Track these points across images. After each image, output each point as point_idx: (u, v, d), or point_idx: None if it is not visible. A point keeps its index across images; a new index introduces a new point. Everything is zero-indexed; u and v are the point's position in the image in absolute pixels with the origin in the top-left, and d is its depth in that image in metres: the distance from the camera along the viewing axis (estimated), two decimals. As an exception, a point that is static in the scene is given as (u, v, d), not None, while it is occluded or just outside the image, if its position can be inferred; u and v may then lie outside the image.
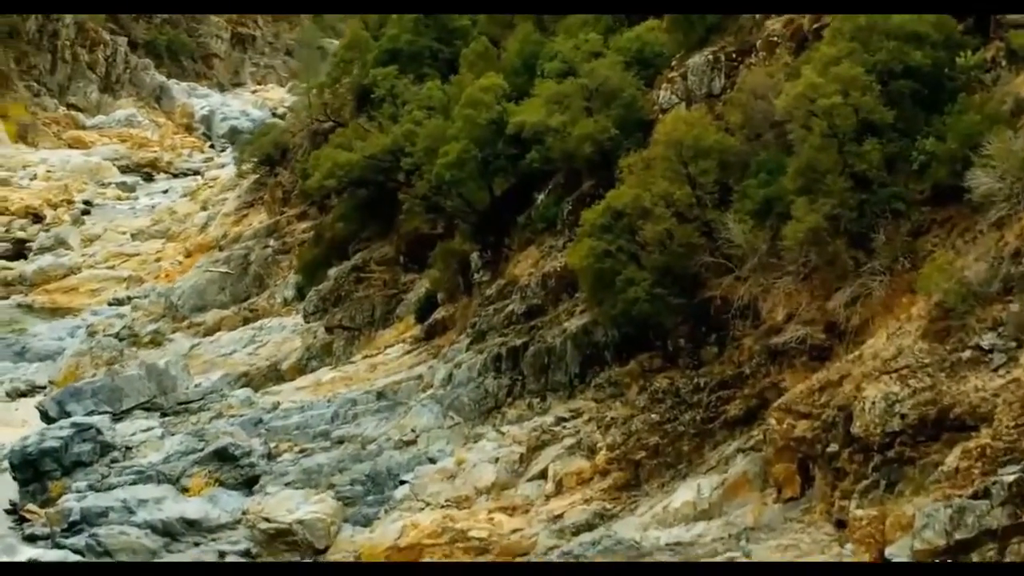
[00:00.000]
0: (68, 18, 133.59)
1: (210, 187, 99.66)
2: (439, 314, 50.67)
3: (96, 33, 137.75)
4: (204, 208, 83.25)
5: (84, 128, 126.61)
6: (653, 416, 38.65)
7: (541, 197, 47.47)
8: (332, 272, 57.74)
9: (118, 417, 48.01)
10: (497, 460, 40.72)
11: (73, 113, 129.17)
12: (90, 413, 47.91)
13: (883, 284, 35.17)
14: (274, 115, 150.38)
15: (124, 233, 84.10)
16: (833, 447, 33.56)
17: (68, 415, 47.90)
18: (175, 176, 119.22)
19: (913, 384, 32.20)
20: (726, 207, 38.91)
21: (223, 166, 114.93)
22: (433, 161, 48.93)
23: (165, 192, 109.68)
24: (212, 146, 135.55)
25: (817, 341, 36.39)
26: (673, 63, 45.49)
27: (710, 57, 43.80)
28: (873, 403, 32.43)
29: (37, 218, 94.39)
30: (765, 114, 39.97)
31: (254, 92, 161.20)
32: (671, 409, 38.50)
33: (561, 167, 46.57)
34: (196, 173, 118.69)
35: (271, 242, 65.70)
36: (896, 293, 35.09)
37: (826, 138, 35.88)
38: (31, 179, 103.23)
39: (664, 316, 39.20)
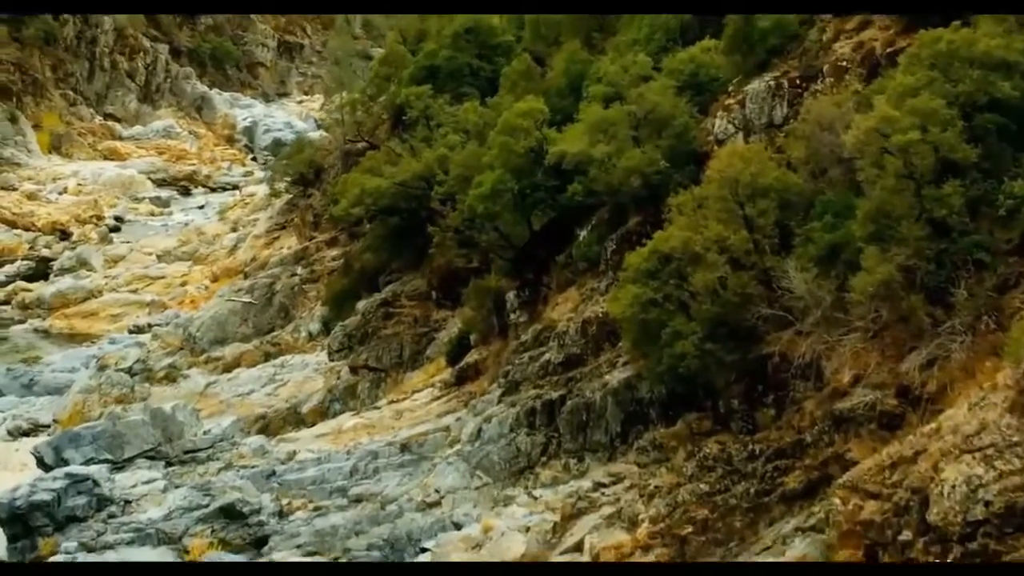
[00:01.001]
0: (107, 24, 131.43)
1: (245, 204, 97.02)
2: (471, 357, 47.33)
3: (136, 40, 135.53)
4: (234, 229, 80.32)
5: (120, 139, 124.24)
6: (702, 486, 34.99)
7: (583, 234, 43.97)
8: (360, 305, 54.53)
9: (119, 466, 44.88)
10: (528, 529, 37.19)
11: (110, 123, 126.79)
12: (89, 461, 44.86)
13: (964, 345, 31.43)
14: (319, 126, 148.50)
15: (150, 254, 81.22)
16: (906, 535, 29.75)
17: (65, 462, 44.87)
18: (213, 190, 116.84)
19: (999, 466, 28.38)
20: (787, 253, 35.32)
21: (263, 181, 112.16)
22: (467, 191, 45.63)
23: (201, 207, 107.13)
24: (254, 158, 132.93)
25: (888, 408, 32.68)
26: (730, 89, 41.94)
27: (771, 83, 40.20)
28: (953, 487, 28.62)
29: (64, 234, 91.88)
30: (832, 148, 36.38)
31: (300, 103, 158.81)
32: (722, 479, 34.84)
33: (605, 201, 43.06)
34: (235, 188, 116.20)
35: (299, 270, 62.56)
36: (979, 356, 31.34)
37: (901, 179, 32.21)
38: (60, 193, 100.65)
39: (715, 373, 35.61)
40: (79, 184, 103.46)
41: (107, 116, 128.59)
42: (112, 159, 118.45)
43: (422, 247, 52.69)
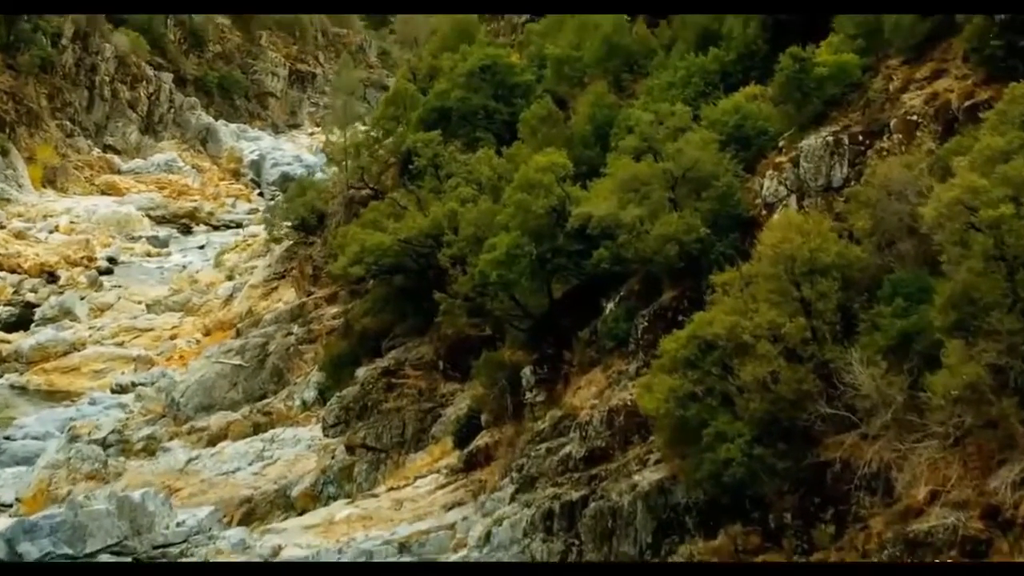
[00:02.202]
0: (108, 51, 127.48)
1: (246, 247, 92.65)
2: (481, 440, 42.69)
3: (139, 68, 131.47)
4: (230, 277, 75.83)
5: (119, 173, 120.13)
6: (747, 616, 30.33)
7: (609, 307, 39.28)
8: (360, 373, 49.95)
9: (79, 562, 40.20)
10: (542, 656, 32.55)
11: (109, 156, 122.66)
12: (46, 555, 40.18)
13: (1066, 461, 26.90)
14: (328, 159, 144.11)
15: (139, 303, 76.68)
16: None
17: (19, 556, 40.18)
18: (215, 228, 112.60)
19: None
20: (849, 340, 30.68)
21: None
22: (478, 253, 41.05)
23: (201, 247, 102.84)
24: (260, 194, 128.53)
25: (972, 532, 28.20)
26: (781, 144, 37.39)
27: (829, 139, 35.63)
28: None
29: (52, 277, 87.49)
30: (901, 217, 31.84)
31: (311, 135, 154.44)
32: (772, 608, 30.15)
33: (635, 270, 38.40)
34: (238, 226, 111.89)
35: (295, 328, 57.97)
36: (1084, 474, 26.81)
37: (991, 260, 27.70)
38: (51, 231, 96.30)
39: (765, 482, 30.98)
40: (71, 222, 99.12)
41: (106, 148, 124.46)
42: (109, 194, 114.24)
43: (429, 310, 47.92)
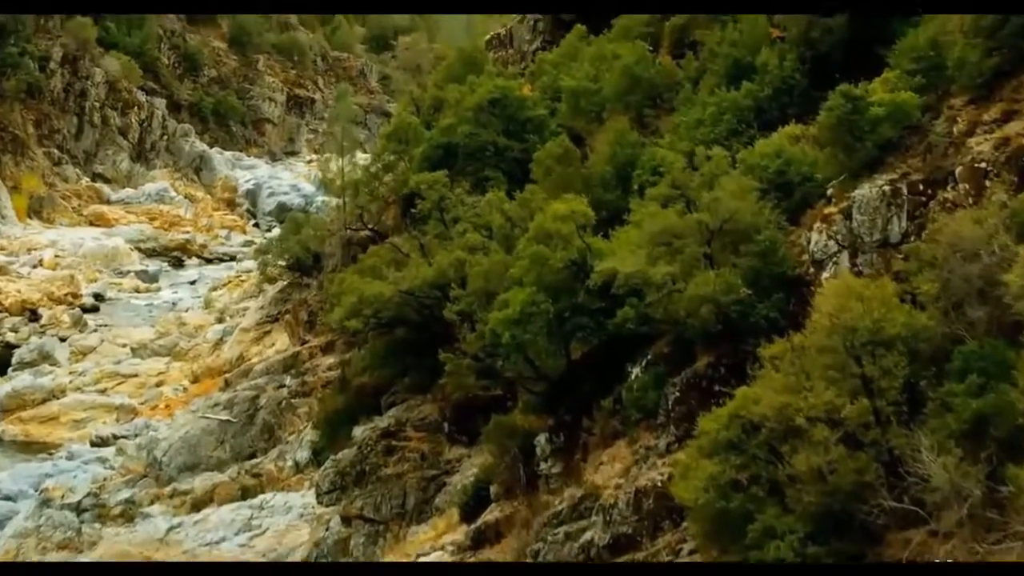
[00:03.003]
0: (99, 76, 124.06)
1: (239, 283, 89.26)
2: (491, 514, 39.01)
3: (130, 94, 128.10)
4: (220, 320, 72.09)
5: (108, 203, 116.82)
6: None
7: (635, 372, 35.59)
8: (358, 433, 46.45)
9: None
10: None
11: (98, 185, 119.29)
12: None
13: None
14: (321, 190, 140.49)
15: (124, 346, 72.93)
16: None
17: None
18: (208, 261, 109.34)
19: None
20: (916, 422, 27.10)
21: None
22: (488, 309, 37.50)
23: (193, 283, 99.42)
24: (256, 224, 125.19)
25: (1060, 649, 24.49)
26: (829, 192, 33.74)
27: (885, 188, 32.00)
28: None
29: (34, 315, 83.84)
30: (972, 280, 28.30)
31: (309, 163, 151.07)
32: None
33: (665, 331, 34.77)
34: (232, 259, 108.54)
35: (288, 380, 54.39)
36: None
37: (1086, 336, 24.18)
38: (34, 266, 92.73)
39: (819, 584, 27.26)
40: (56, 255, 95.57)
41: (95, 177, 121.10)
42: (98, 225, 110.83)
43: (433, 366, 44.27)
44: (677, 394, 33.41)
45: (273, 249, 66.58)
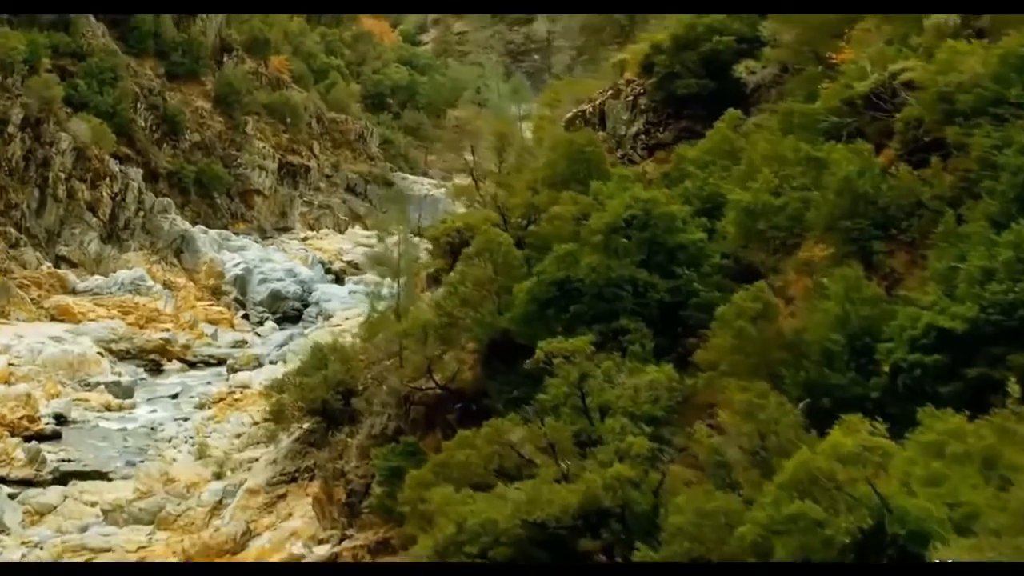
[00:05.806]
0: (65, 142, 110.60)
1: (234, 401, 76.15)
2: None
3: (101, 163, 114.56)
4: (218, 475, 58.27)
5: (74, 292, 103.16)
6: None
7: None
8: None
9: None
10: None
11: (63, 271, 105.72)
12: None
13: None
14: (328, 271, 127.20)
15: (93, 505, 58.99)
16: None
17: None
18: (192, 365, 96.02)
19: None
20: None
21: (260, 364, 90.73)
22: None
23: (175, 397, 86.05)
24: (246, 316, 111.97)
25: None
26: None
27: None
28: None
29: (-21, 449, 70.03)
30: None
31: (304, 240, 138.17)
32: None
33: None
34: (220, 362, 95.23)
35: (325, 597, 40.78)
36: None
37: None
38: (-20, 381, 79.10)
39: None
40: (10, 364, 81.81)
41: (59, 261, 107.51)
42: (62, 320, 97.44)
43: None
44: None
45: (291, 390, 52.96)
